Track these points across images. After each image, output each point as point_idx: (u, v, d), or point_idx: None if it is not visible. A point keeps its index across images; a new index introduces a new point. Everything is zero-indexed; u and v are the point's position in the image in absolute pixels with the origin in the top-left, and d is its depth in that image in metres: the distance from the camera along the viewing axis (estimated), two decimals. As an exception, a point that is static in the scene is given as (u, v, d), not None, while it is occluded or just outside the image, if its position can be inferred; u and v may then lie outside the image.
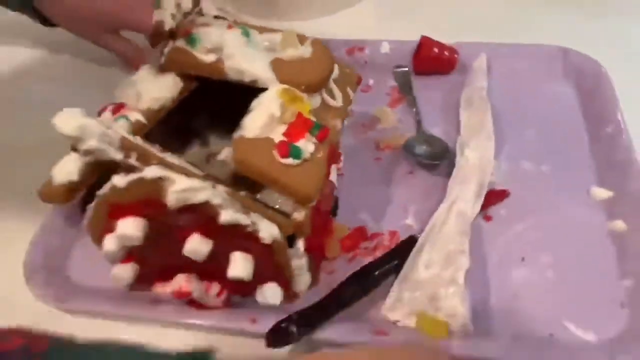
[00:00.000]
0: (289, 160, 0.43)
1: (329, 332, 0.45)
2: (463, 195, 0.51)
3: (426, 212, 0.53)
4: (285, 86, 0.46)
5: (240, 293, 0.47)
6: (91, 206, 0.42)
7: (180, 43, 0.47)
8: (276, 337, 0.44)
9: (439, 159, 0.57)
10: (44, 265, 0.51)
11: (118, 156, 0.38)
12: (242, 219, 0.39)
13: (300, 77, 0.47)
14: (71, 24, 0.68)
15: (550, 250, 0.50)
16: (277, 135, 0.44)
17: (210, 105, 0.53)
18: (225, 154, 0.42)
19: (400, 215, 0.54)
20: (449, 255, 0.46)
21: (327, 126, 0.46)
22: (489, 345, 0.44)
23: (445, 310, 0.44)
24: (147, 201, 0.39)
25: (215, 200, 0.38)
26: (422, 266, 0.46)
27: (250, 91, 0.47)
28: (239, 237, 0.41)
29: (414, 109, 0.63)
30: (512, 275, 0.49)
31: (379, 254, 0.51)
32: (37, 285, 0.50)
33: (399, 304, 0.46)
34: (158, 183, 0.38)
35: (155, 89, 0.45)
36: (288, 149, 0.43)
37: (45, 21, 0.69)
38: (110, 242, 0.42)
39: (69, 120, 0.36)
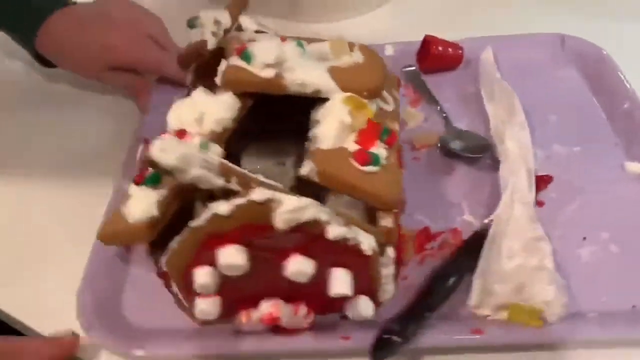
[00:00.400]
0: (370, 168, 0.42)
1: (427, 337, 0.44)
2: (519, 184, 0.52)
3: (481, 206, 0.54)
4: (349, 93, 0.45)
5: (325, 311, 0.46)
6: (177, 239, 0.39)
7: (234, 61, 0.45)
8: (380, 350, 0.42)
9: (481, 152, 0.58)
10: (98, 310, 0.48)
11: (219, 182, 0.36)
12: (348, 232, 0.38)
13: (361, 84, 0.46)
14: (70, 64, 0.66)
15: (606, 226, 0.52)
16: (350, 143, 0.44)
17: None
18: (308, 167, 0.41)
19: (456, 212, 0.54)
20: (527, 243, 0.47)
21: (394, 130, 0.46)
22: (585, 326, 0.44)
23: (538, 298, 0.44)
24: (248, 226, 0.37)
25: (323, 217, 0.37)
26: (505, 258, 0.46)
27: (282, 108, 0.46)
28: (338, 252, 0.39)
29: (438, 107, 0.64)
30: (579, 254, 0.50)
31: (446, 253, 0.51)
32: (100, 334, 0.46)
33: (486, 299, 0.46)
34: (266, 205, 0.36)
35: (217, 110, 0.43)
36: (368, 156, 0.42)
37: (40, 59, 0.66)
38: (204, 275, 0.39)
39: (169, 151, 0.33)
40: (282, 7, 0.76)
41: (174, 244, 0.39)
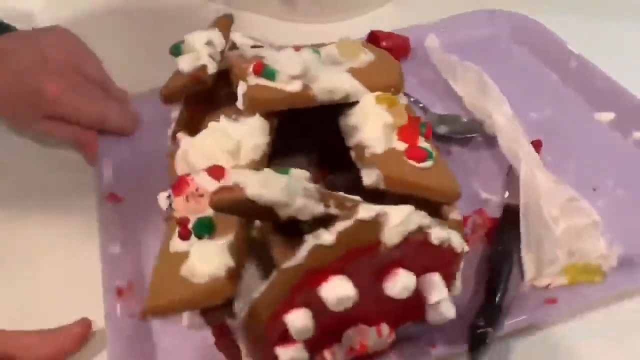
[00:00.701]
0: (426, 164, 0.41)
1: (510, 321, 0.43)
2: (528, 154, 0.53)
3: (492, 182, 0.54)
4: (378, 93, 0.43)
5: (402, 323, 0.43)
6: (262, 288, 0.34)
7: (254, 80, 0.40)
8: (477, 346, 0.41)
9: (475, 132, 0.58)
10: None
11: (320, 209, 0.31)
12: (445, 233, 0.36)
13: (385, 81, 0.44)
14: None
15: (607, 175, 0.55)
16: (395, 142, 0.41)
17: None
18: (373, 176, 0.38)
19: (472, 193, 0.54)
20: (564, 206, 0.48)
21: (429, 122, 0.44)
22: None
23: (592, 254, 0.45)
24: (353, 251, 0.33)
25: (425, 222, 0.34)
26: (551, 223, 0.47)
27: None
28: (432, 256, 0.37)
29: (412, 98, 0.64)
30: (598, 205, 0.51)
31: (480, 235, 0.50)
32: None
33: (542, 269, 0.46)
34: (375, 222, 0.32)
35: (252, 136, 0.39)
36: (423, 152, 0.40)
37: None
38: (301, 319, 0.34)
39: (271, 184, 0.28)
40: (277, 7, 0.72)
41: (257, 293, 0.34)
